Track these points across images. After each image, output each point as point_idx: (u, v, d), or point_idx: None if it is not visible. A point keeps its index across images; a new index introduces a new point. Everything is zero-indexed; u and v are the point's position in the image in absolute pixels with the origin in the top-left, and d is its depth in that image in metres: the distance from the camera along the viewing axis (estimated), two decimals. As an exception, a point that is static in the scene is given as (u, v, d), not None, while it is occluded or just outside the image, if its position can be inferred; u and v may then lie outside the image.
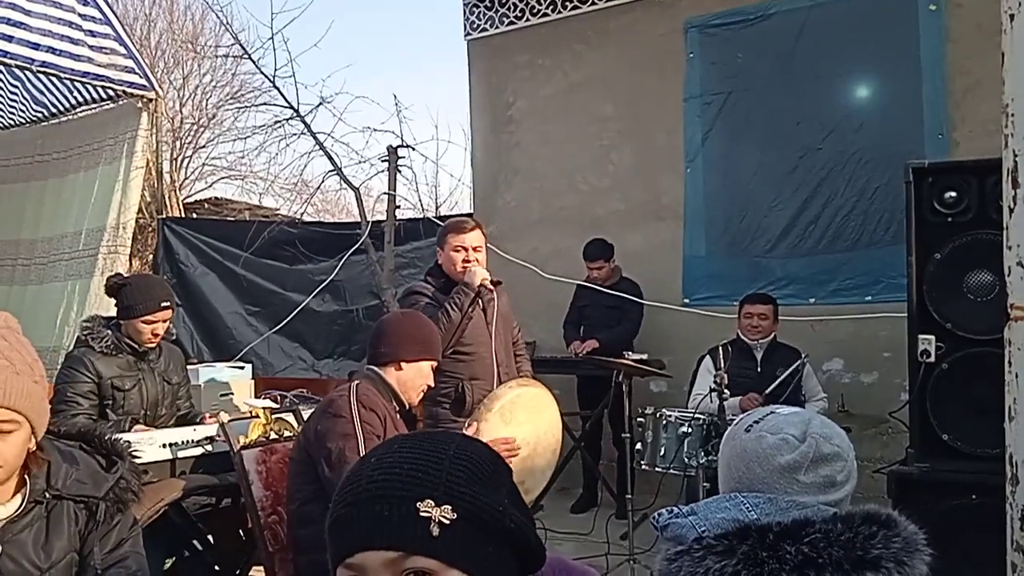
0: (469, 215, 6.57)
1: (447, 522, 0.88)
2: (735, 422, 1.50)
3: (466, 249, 3.49)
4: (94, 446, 1.75)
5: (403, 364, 2.66)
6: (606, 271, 5.31)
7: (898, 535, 1.18)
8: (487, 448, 1.00)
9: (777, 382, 4.09)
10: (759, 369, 4.42)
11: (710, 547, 1.17)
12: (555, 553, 1.15)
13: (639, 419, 4.04)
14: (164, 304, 3.28)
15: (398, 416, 2.63)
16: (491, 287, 3.46)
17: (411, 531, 0.88)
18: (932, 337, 2.98)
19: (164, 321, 3.31)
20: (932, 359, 2.98)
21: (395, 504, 0.89)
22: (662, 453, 3.89)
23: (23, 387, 1.50)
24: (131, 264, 6.77)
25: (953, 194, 3.00)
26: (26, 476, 1.60)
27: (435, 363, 2.74)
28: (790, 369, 4.15)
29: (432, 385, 2.74)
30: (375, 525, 0.89)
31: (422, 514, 0.88)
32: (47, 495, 1.61)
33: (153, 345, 3.34)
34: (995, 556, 2.38)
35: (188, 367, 3.94)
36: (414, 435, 1.03)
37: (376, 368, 2.69)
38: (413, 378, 2.65)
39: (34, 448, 1.58)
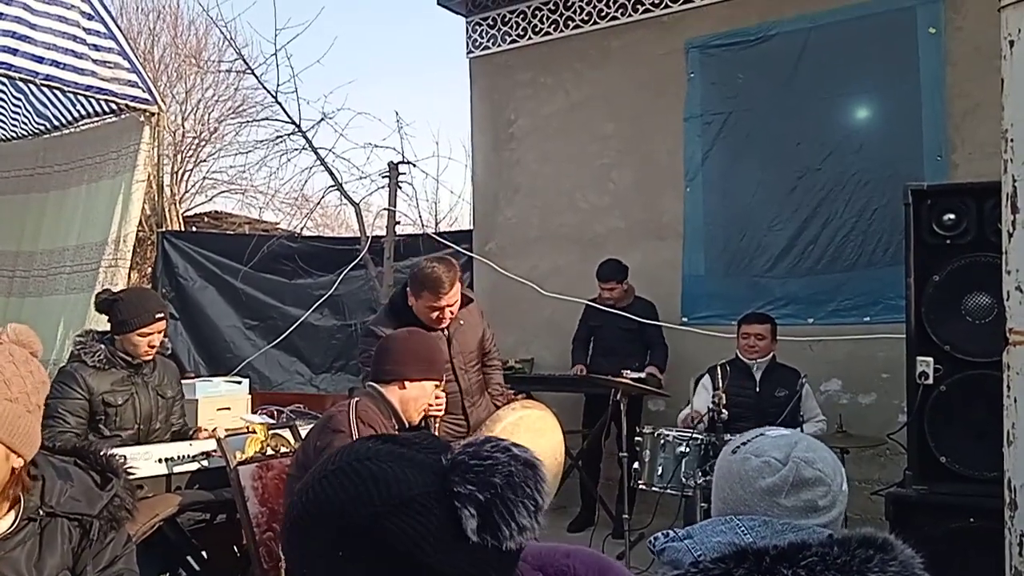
0: (469, 232, 6.59)
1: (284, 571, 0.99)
2: (728, 443, 1.51)
3: (441, 310, 3.31)
4: (89, 462, 1.73)
5: (407, 383, 2.65)
6: (619, 292, 5.28)
7: (895, 558, 1.17)
8: (338, 498, 0.93)
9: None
10: (757, 389, 4.42)
11: (706, 571, 1.17)
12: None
13: (637, 438, 4.03)
14: (159, 316, 3.28)
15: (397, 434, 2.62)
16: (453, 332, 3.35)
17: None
18: (930, 359, 2.98)
19: (159, 333, 3.31)
20: (930, 381, 2.97)
21: None
22: (659, 473, 3.88)
23: (9, 414, 1.47)
24: (130, 277, 6.76)
25: (952, 216, 3.01)
26: (20, 493, 1.58)
27: (439, 382, 2.74)
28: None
29: (433, 404, 2.74)
30: None
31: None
32: (40, 512, 1.59)
33: (149, 358, 3.33)
34: (993, 580, 2.37)
35: (185, 381, 3.92)
36: (314, 476, 1.01)
37: (377, 385, 2.68)
38: (416, 397, 2.64)
39: (20, 467, 1.55)
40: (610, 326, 5.33)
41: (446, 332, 3.34)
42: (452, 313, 3.33)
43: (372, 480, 0.92)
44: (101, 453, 1.75)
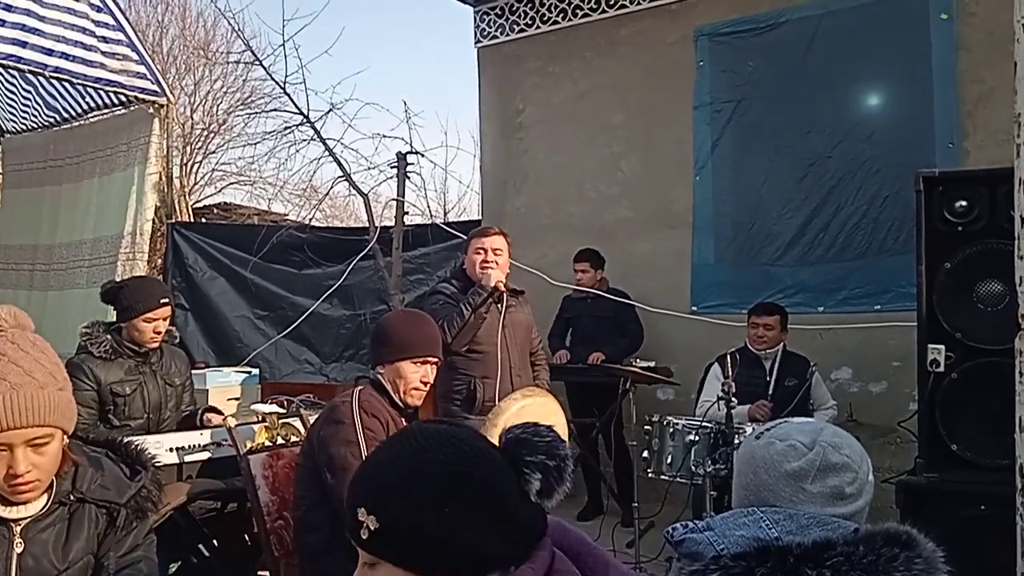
0: (478, 222, 6.58)
1: (372, 529, 1.07)
2: (750, 432, 1.49)
3: (486, 251, 3.69)
4: (120, 454, 1.79)
5: (380, 368, 2.63)
6: (591, 276, 5.35)
7: (919, 556, 1.14)
8: (453, 463, 1.09)
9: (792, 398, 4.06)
10: (768, 378, 4.40)
11: (727, 568, 1.14)
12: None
13: (646, 427, 4.02)
14: (163, 301, 3.29)
15: (402, 420, 2.61)
16: (505, 287, 3.65)
17: (355, 531, 1.10)
18: (942, 347, 2.96)
19: (165, 320, 3.31)
20: (941, 369, 2.96)
21: (349, 506, 1.12)
22: (668, 461, 3.87)
23: (49, 400, 1.54)
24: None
25: (964, 203, 2.98)
26: (54, 477, 1.64)
27: (415, 360, 2.61)
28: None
29: (427, 383, 2.65)
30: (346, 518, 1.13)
31: (359, 519, 1.08)
32: (71, 497, 1.65)
33: (155, 346, 3.34)
34: (1005, 567, 2.36)
35: (195, 371, 3.94)
36: (399, 438, 1.16)
37: (373, 373, 2.69)
38: (393, 380, 2.59)
39: (66, 443, 1.63)
40: (586, 316, 5.39)
41: (500, 307, 3.64)
42: (499, 265, 3.67)
43: (468, 446, 1.12)
44: (132, 447, 1.82)
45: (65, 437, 1.61)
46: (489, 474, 1.10)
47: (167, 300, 3.32)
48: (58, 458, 1.59)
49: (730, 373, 3.67)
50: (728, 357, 3.73)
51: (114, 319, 3.42)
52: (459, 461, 1.09)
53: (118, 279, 6.17)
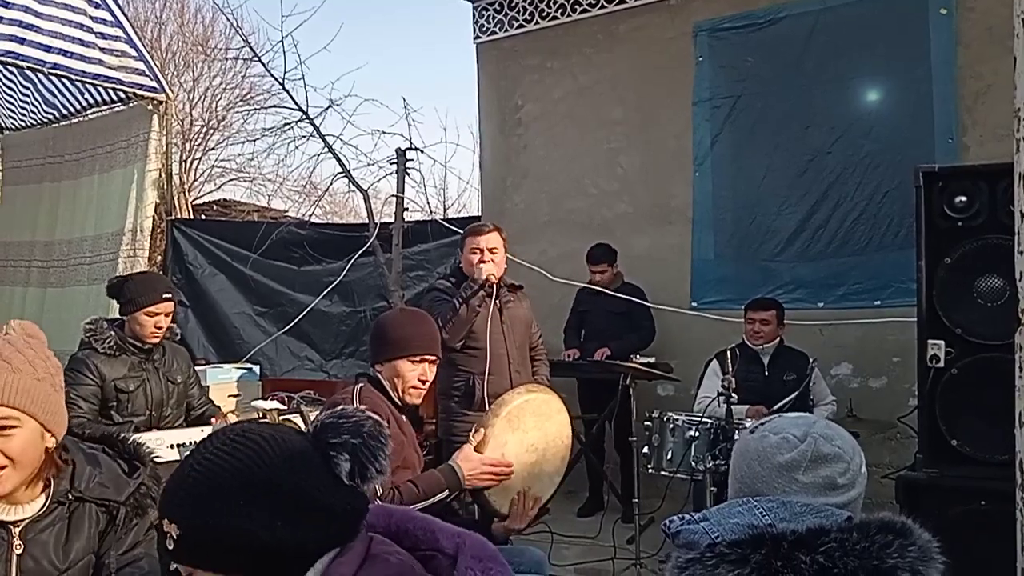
0: (477, 218, 6.58)
1: (175, 536, 1.09)
2: (738, 426, 1.51)
3: (481, 251, 3.68)
4: (117, 450, 1.77)
5: (377, 366, 2.62)
6: (608, 275, 5.32)
7: (913, 544, 1.16)
8: (241, 461, 1.09)
9: (787, 400, 4.08)
10: (766, 373, 4.41)
11: (723, 555, 1.15)
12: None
13: (646, 423, 4.03)
14: (166, 296, 3.30)
15: (402, 417, 2.61)
16: (497, 280, 3.63)
17: (163, 543, 1.11)
18: (941, 342, 2.97)
19: (167, 315, 3.33)
20: (941, 364, 2.96)
21: (159, 519, 1.13)
22: (669, 457, 3.88)
23: (20, 384, 1.50)
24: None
25: (963, 198, 2.99)
26: (51, 477, 1.61)
27: (413, 358, 2.60)
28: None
29: (425, 381, 2.64)
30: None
31: (165, 529, 1.10)
32: (70, 496, 1.63)
33: (156, 341, 3.35)
34: (1005, 562, 2.36)
35: (196, 368, 3.94)
36: (199, 447, 1.16)
37: (373, 371, 2.68)
38: (391, 378, 2.58)
39: (53, 447, 1.58)
40: (598, 310, 5.36)
41: (497, 302, 3.64)
42: (495, 263, 3.66)
43: (264, 441, 1.11)
44: (129, 442, 1.79)
45: (49, 436, 1.56)
46: (282, 466, 1.09)
47: (170, 296, 3.33)
48: (32, 452, 1.54)
49: (729, 369, 3.67)
50: (727, 353, 3.74)
51: (115, 316, 3.42)
52: (248, 458, 1.09)
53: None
